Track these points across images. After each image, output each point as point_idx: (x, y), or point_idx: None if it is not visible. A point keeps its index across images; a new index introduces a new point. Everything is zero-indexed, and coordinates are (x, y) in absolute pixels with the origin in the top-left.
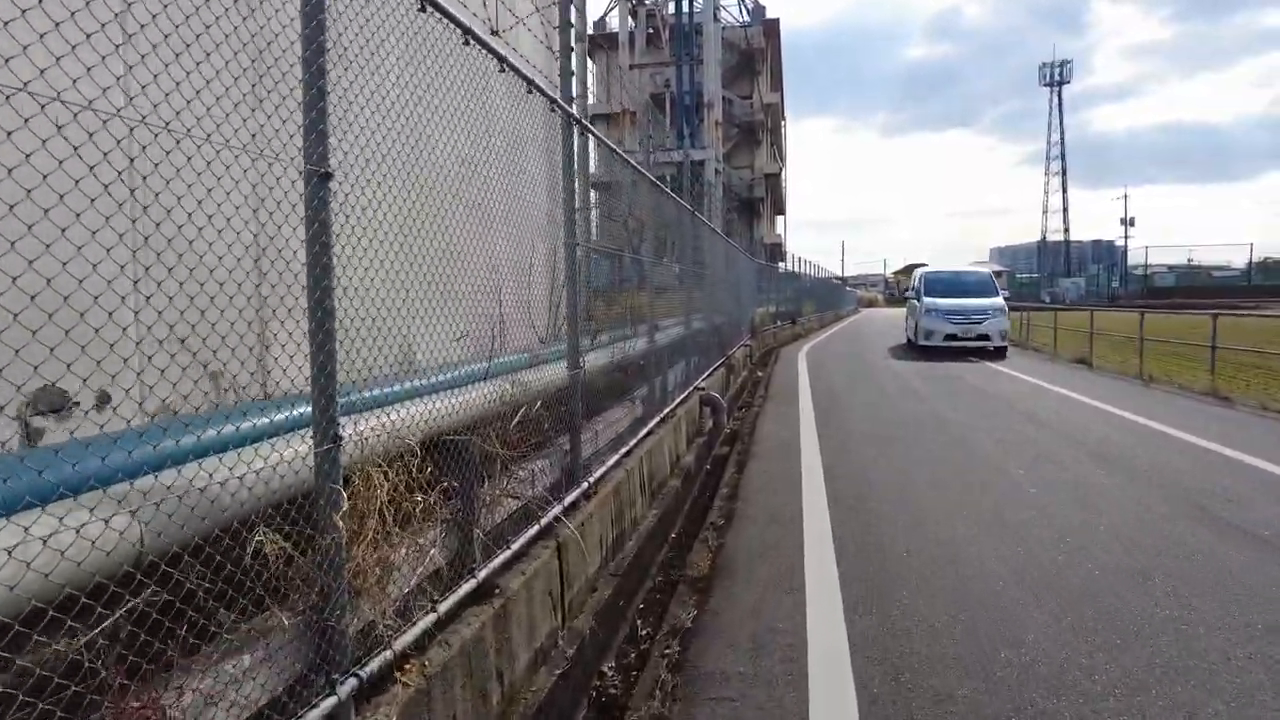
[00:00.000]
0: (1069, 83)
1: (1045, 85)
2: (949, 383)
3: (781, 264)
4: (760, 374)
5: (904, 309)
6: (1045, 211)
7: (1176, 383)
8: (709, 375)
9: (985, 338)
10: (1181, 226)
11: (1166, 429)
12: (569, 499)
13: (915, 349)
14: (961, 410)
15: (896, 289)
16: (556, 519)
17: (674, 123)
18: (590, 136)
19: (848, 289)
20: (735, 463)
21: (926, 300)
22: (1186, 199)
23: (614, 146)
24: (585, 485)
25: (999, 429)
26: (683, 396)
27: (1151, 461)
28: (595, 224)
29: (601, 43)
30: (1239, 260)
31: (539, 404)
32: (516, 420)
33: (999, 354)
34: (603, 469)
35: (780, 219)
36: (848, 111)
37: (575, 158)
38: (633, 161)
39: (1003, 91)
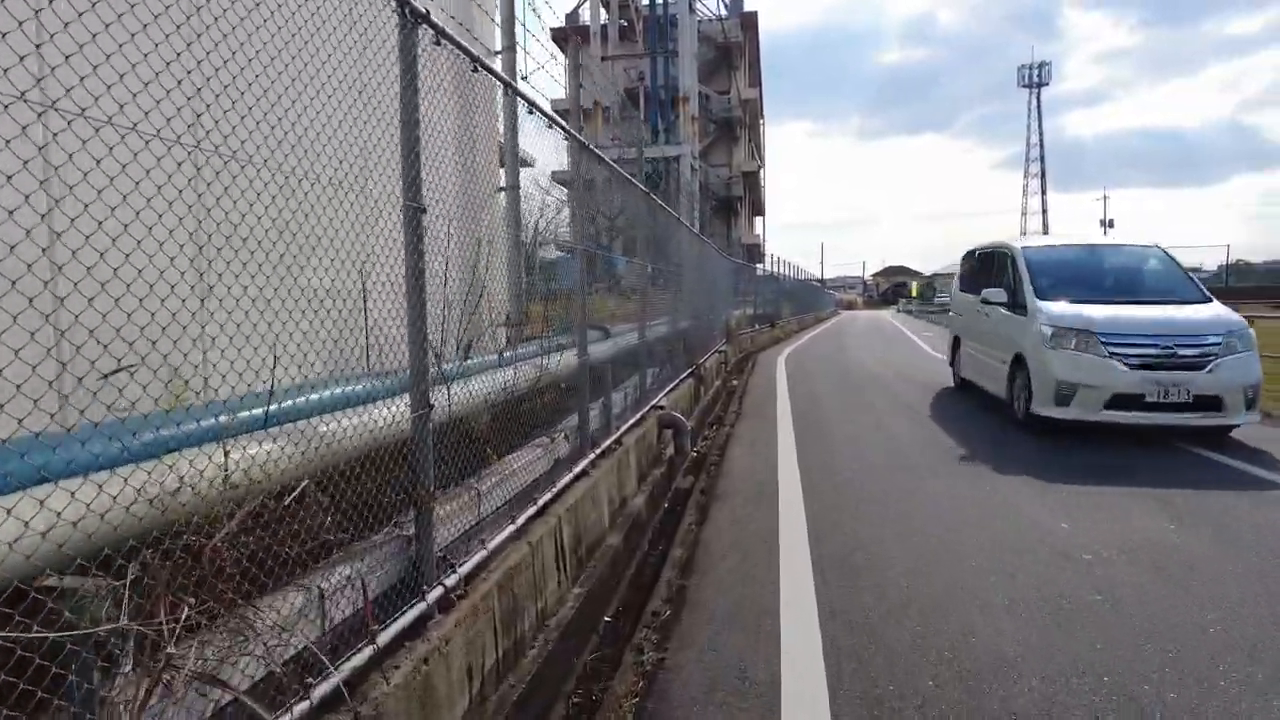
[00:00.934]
0: (1047, 84)
1: (1024, 86)
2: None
3: (760, 265)
4: (736, 382)
5: (885, 310)
6: (1024, 213)
7: None
8: (672, 390)
9: (1211, 405)
10: (1152, 229)
11: None
12: (387, 636)
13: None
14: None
15: (875, 291)
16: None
17: (648, 118)
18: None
19: (827, 291)
20: (697, 505)
21: (1046, 309)
22: (1157, 202)
23: (546, 109)
24: (440, 591)
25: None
26: (635, 419)
27: None
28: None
29: (572, 35)
30: (1210, 262)
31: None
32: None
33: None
34: (481, 554)
35: (759, 220)
36: (824, 115)
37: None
38: (560, 121)
39: (978, 96)
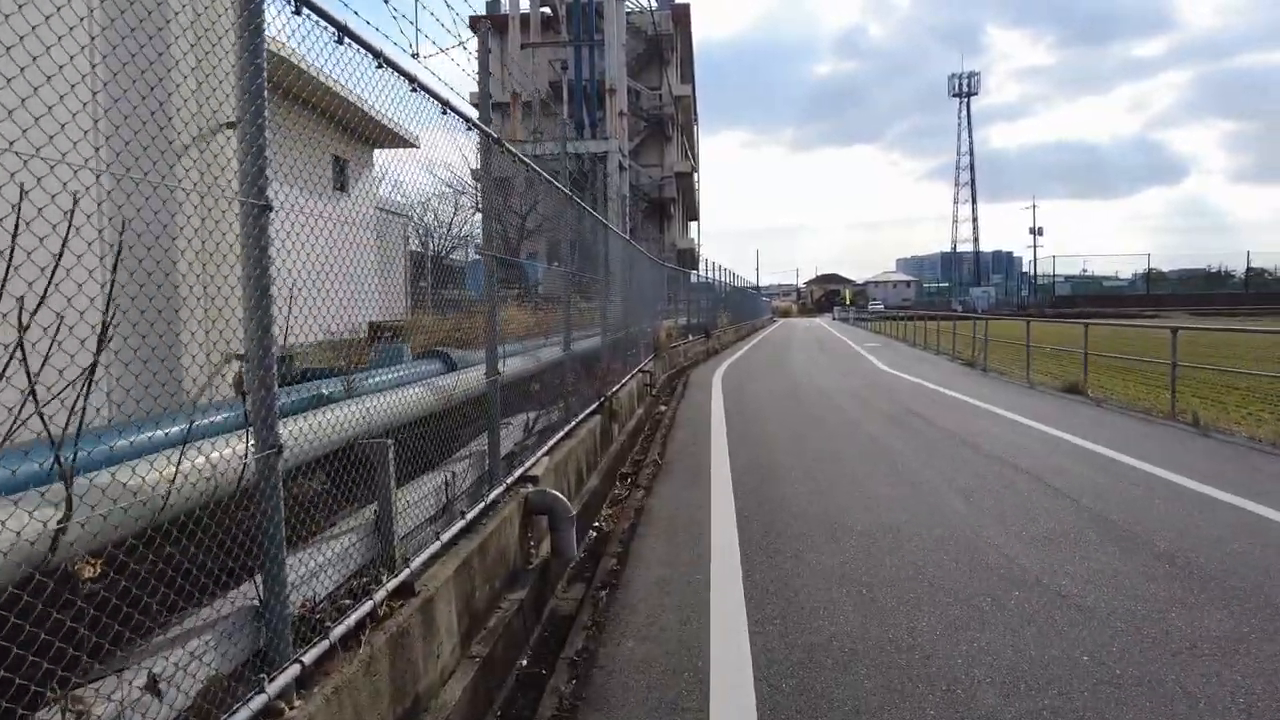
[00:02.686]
0: (977, 94)
1: (954, 96)
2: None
3: (695, 272)
4: (664, 408)
5: (820, 318)
6: (955, 221)
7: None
8: (564, 438)
9: None
10: (1067, 239)
11: None
12: None
13: None
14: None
15: (810, 298)
16: None
17: (573, 112)
18: None
19: (763, 299)
20: (568, 691)
21: None
22: (1071, 213)
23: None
24: None
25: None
26: (468, 520)
27: None
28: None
29: (491, 25)
30: (1125, 271)
31: None
32: None
33: None
34: None
35: (694, 225)
36: (757, 126)
37: None
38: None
39: (905, 109)
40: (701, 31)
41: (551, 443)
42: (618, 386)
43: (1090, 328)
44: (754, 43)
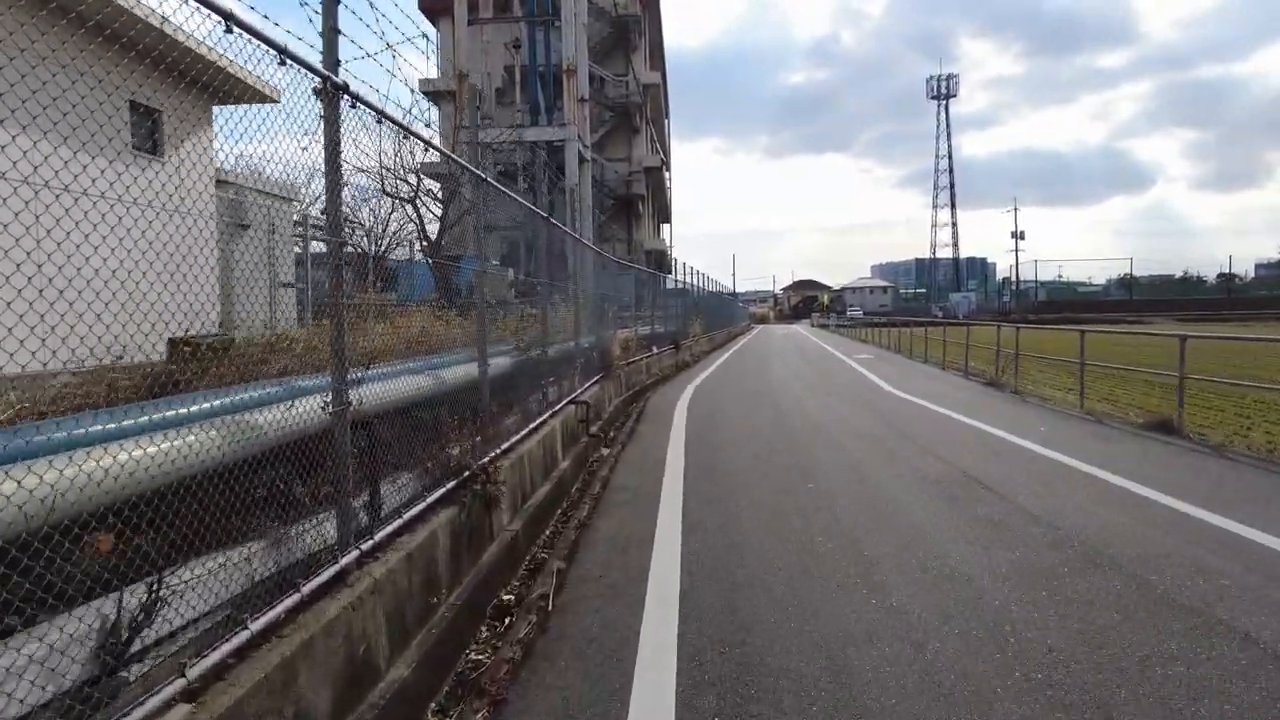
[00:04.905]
0: (955, 96)
1: (932, 98)
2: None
3: (673, 276)
4: (604, 453)
5: (798, 325)
6: (934, 225)
7: None
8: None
9: None
10: (1037, 245)
11: None
12: None
13: None
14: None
15: (787, 304)
16: None
17: (528, 96)
18: None
19: (740, 304)
20: None
21: None
22: (1040, 220)
23: None
24: None
25: None
26: None
27: None
28: None
29: (439, 7)
30: (1099, 276)
31: None
32: None
33: None
34: None
35: (666, 227)
36: (730, 133)
37: None
38: None
39: (877, 117)
40: (673, 38)
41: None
42: (517, 439)
43: (1104, 337)
44: (726, 50)
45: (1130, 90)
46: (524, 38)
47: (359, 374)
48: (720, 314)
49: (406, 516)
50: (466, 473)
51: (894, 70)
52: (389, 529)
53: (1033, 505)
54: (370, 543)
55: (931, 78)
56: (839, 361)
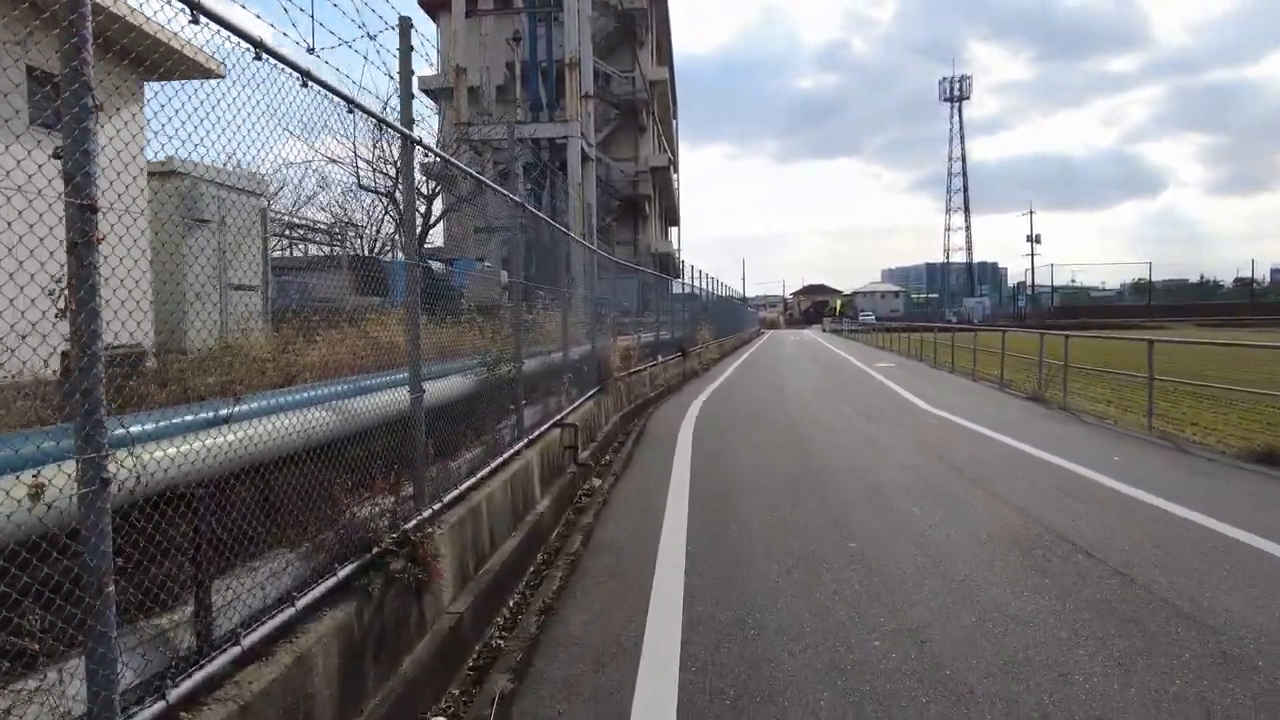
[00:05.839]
0: (969, 98)
1: (945, 100)
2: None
3: (680, 280)
4: (596, 483)
5: (809, 330)
6: (948, 229)
7: None
8: None
9: None
10: (1049, 250)
11: None
12: None
13: None
14: None
15: (797, 309)
16: None
17: (527, 89)
18: None
19: (749, 309)
20: None
21: None
22: (1052, 224)
23: None
24: None
25: None
26: None
27: None
28: None
29: (438, 1)
30: (1113, 281)
31: None
32: None
33: None
34: None
35: (674, 230)
36: (740, 139)
37: None
38: None
39: (887, 122)
40: (681, 43)
41: None
42: (472, 483)
43: (1163, 347)
44: (735, 56)
45: (1141, 95)
46: (524, 31)
47: (133, 420)
48: (730, 319)
49: (261, 631)
50: (376, 549)
51: (903, 75)
52: (220, 660)
53: (1165, 588)
54: (177, 693)
55: (944, 79)
56: (860, 371)
